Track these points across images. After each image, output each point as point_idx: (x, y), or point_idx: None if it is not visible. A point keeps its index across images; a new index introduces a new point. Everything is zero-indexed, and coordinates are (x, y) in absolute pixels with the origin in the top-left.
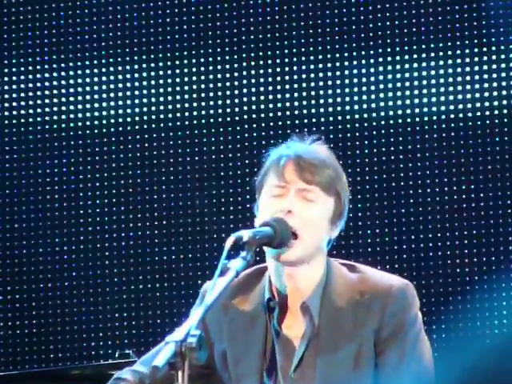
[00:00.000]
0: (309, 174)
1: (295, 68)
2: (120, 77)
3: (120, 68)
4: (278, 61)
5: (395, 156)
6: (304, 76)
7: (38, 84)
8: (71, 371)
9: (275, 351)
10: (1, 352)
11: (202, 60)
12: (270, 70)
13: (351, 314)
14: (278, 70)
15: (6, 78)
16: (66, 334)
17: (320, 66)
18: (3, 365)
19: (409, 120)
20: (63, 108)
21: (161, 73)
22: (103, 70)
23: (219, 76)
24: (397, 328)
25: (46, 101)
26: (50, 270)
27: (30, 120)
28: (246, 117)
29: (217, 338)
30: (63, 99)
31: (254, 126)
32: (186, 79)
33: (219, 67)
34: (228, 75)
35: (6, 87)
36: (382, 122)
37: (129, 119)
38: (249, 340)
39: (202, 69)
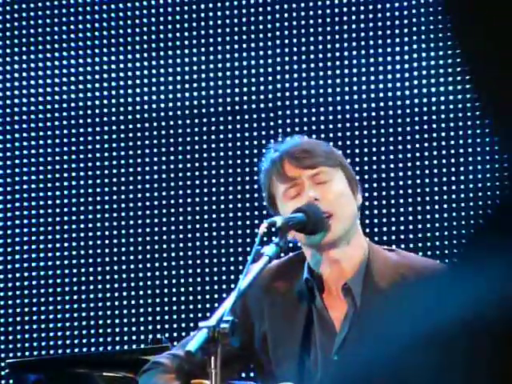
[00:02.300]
0: (308, 160)
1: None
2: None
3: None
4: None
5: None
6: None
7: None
8: (104, 357)
9: (316, 333)
10: (33, 337)
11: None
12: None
13: (393, 295)
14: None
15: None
16: (99, 319)
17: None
18: (37, 350)
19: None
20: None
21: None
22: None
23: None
24: (441, 308)
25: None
26: (82, 256)
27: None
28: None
29: (257, 319)
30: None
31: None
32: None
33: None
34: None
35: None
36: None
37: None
38: (290, 322)
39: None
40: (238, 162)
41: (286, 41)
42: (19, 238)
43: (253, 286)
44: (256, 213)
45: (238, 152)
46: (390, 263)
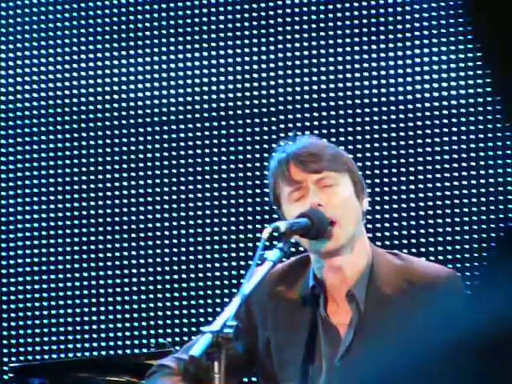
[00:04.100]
0: (314, 164)
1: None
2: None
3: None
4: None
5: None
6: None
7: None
8: (108, 361)
9: (320, 339)
10: (37, 341)
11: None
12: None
13: (398, 301)
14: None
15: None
16: (102, 323)
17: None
18: (41, 354)
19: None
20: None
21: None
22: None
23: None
24: (446, 316)
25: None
26: (88, 259)
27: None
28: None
29: (261, 324)
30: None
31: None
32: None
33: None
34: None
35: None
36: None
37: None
38: (293, 328)
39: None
40: (244, 160)
41: (288, 43)
42: (20, 241)
43: (256, 291)
44: (258, 217)
45: (241, 153)
46: (394, 268)
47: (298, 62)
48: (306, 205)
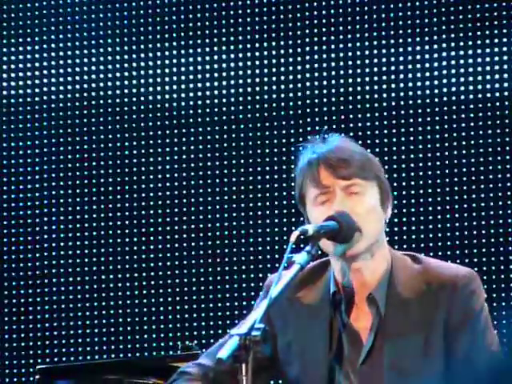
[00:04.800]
0: (343, 169)
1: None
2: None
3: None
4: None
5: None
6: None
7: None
8: (134, 363)
9: (342, 343)
10: (64, 343)
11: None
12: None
13: (417, 304)
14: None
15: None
16: (129, 325)
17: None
18: (68, 355)
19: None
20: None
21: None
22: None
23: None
24: (466, 316)
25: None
26: (114, 262)
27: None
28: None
29: (281, 331)
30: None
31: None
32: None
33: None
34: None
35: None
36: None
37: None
38: (315, 333)
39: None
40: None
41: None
42: (55, 242)
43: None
44: (285, 220)
45: (267, 149)
46: (413, 271)
47: (328, 65)
48: (330, 209)
